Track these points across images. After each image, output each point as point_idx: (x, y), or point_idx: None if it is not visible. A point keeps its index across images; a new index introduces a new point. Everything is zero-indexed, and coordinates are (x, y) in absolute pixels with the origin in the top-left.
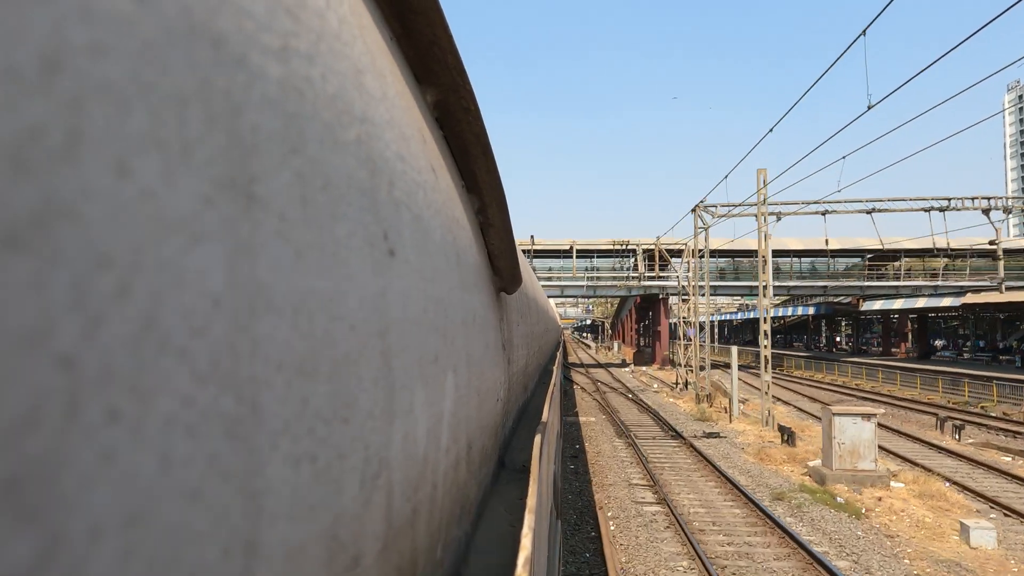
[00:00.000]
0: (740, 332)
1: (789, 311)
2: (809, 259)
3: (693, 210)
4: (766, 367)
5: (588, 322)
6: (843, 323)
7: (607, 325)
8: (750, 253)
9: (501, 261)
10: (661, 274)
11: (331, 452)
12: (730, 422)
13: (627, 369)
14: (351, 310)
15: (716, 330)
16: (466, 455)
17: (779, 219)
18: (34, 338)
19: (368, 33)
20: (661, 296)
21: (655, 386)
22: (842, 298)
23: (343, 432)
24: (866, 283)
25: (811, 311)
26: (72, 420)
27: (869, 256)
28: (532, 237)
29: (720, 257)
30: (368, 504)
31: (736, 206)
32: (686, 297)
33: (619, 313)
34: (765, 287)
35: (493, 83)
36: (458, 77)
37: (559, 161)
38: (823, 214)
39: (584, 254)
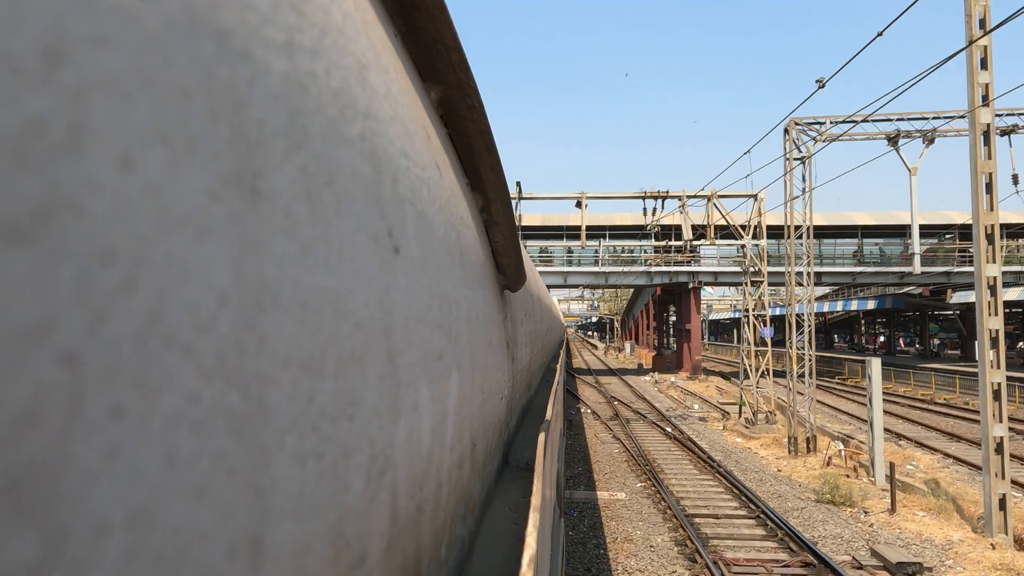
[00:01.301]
0: (729, 330)
1: (838, 306)
2: (874, 239)
3: (785, 130)
4: (997, 402)
5: (594, 319)
6: (884, 321)
7: (616, 323)
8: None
9: (505, 258)
10: (701, 243)
11: (337, 450)
12: (893, 511)
13: (647, 378)
14: (356, 307)
15: (706, 329)
16: (470, 453)
17: (931, 143)
18: (36, 333)
19: (372, 29)
20: (692, 285)
21: (696, 407)
22: (911, 288)
23: (348, 430)
24: (957, 268)
25: (870, 304)
26: (75, 417)
27: (947, 235)
28: (519, 186)
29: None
30: (373, 502)
31: (855, 122)
32: (757, 280)
33: (631, 308)
34: (991, 240)
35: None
36: (462, 75)
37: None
38: (1005, 134)
39: (595, 232)
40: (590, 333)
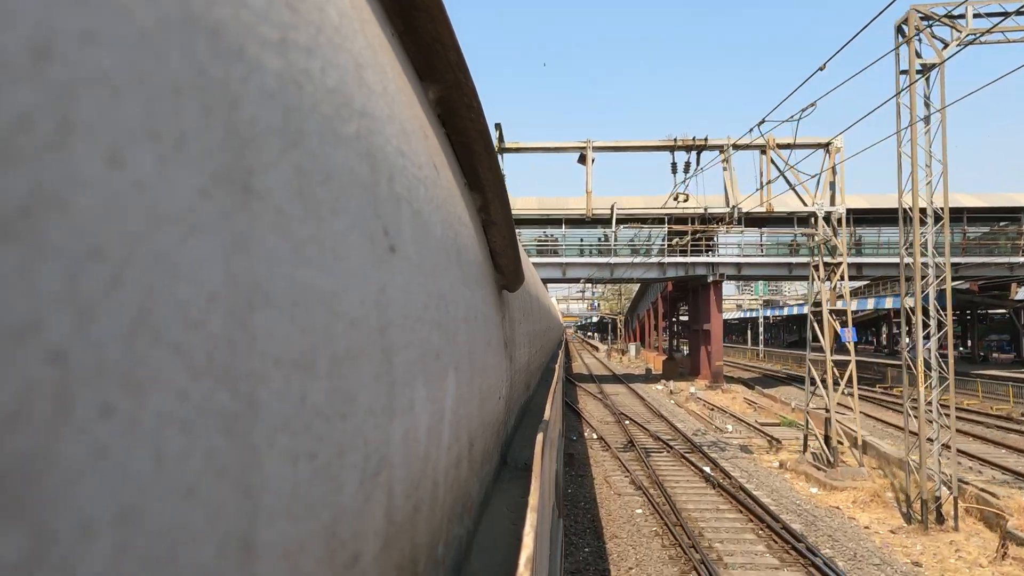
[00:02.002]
0: (736, 331)
1: (868, 304)
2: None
3: (899, 28)
4: None
5: (594, 319)
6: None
7: (619, 323)
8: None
9: (503, 258)
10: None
11: (330, 449)
12: None
13: (659, 387)
14: (351, 306)
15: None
16: (468, 453)
17: None
18: (24, 331)
19: (369, 28)
20: (711, 279)
21: (730, 428)
22: (957, 283)
23: (343, 429)
24: None
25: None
26: (63, 415)
27: (1002, 221)
28: (499, 130)
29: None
30: (368, 501)
31: (1005, 13)
32: (832, 262)
33: (636, 307)
34: None
35: None
36: (460, 74)
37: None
38: None
39: (599, 217)
40: (590, 334)
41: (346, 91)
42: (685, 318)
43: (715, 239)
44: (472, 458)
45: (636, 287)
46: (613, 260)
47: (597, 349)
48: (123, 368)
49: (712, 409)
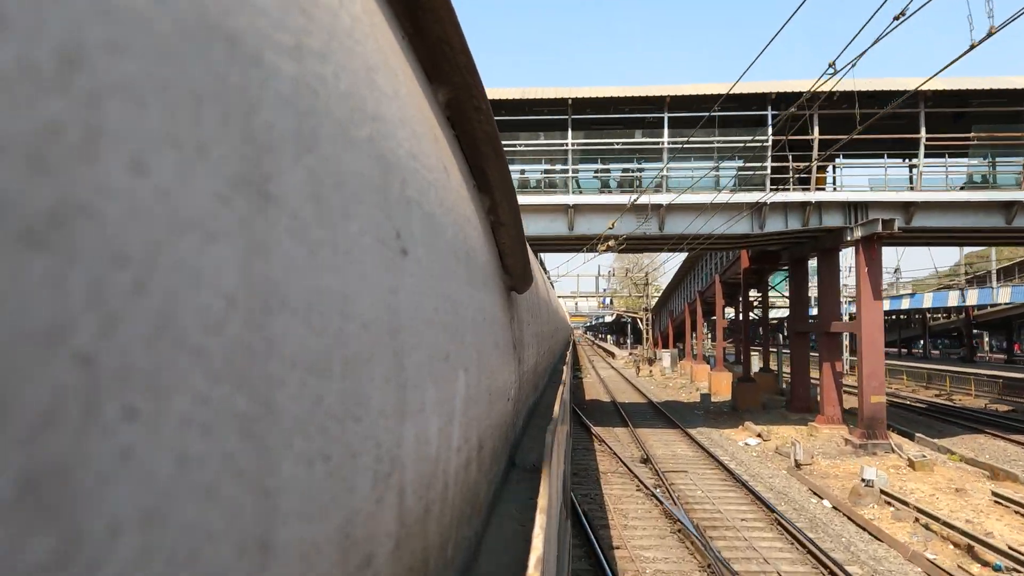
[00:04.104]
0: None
1: (1002, 295)
2: None
3: None
4: None
5: (606, 319)
6: None
7: (645, 321)
8: None
9: (511, 260)
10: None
11: (344, 451)
12: None
13: (753, 439)
14: (364, 309)
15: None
16: (477, 454)
17: None
18: (52, 336)
19: (380, 31)
20: (857, 235)
21: None
22: None
23: (356, 431)
24: None
25: None
26: (90, 418)
27: None
28: None
29: None
30: (381, 503)
31: None
32: None
33: (668, 300)
34: None
35: None
36: (469, 77)
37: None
38: None
39: (638, 116)
40: (602, 336)
41: (359, 95)
42: (759, 312)
43: (833, 169)
44: (481, 459)
45: (666, 273)
46: (664, 198)
47: (614, 356)
48: (147, 372)
49: (972, 553)
